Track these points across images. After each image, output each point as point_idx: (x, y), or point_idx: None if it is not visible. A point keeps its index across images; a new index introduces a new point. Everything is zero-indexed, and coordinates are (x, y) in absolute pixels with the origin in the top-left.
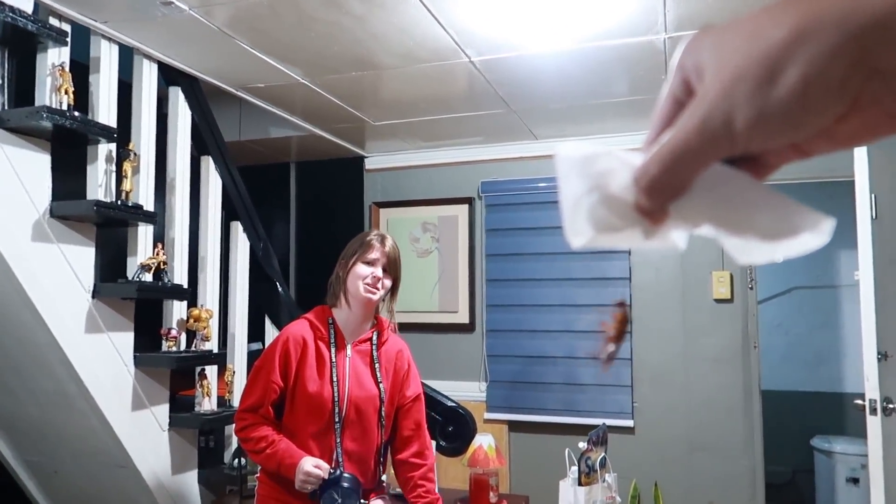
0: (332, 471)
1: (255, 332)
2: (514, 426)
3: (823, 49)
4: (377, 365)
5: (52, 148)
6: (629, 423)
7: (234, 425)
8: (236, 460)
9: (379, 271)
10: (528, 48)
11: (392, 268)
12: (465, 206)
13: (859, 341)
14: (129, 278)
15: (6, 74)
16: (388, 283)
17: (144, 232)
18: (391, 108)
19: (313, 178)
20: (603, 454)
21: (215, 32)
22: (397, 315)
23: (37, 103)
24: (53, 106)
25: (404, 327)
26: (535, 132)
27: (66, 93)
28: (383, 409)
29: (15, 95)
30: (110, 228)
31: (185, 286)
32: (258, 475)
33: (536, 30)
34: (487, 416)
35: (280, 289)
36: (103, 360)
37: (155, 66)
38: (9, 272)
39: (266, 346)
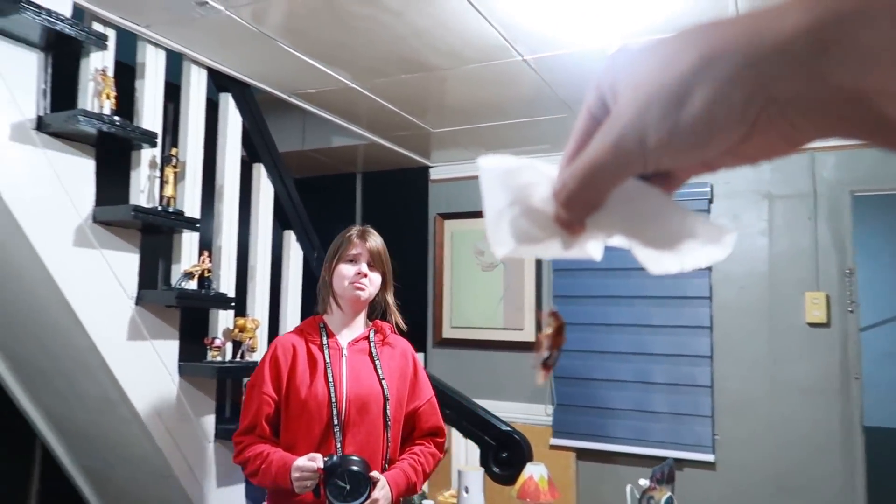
0: (328, 459)
1: None
2: (582, 454)
3: (725, 76)
4: (378, 362)
5: (96, 153)
6: (709, 457)
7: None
8: None
9: (363, 267)
10: (581, 44)
11: (377, 261)
12: None
13: None
14: (172, 285)
15: (48, 80)
16: (375, 277)
17: (189, 239)
18: (449, 114)
19: (379, 189)
20: (669, 494)
21: (255, 34)
22: (459, 331)
23: (78, 108)
24: (93, 110)
25: (466, 344)
26: None
27: (108, 97)
28: (388, 408)
29: (59, 101)
30: (155, 235)
31: (232, 295)
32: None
33: (590, 24)
34: (554, 441)
35: None
36: (145, 368)
37: (204, 72)
38: (48, 277)
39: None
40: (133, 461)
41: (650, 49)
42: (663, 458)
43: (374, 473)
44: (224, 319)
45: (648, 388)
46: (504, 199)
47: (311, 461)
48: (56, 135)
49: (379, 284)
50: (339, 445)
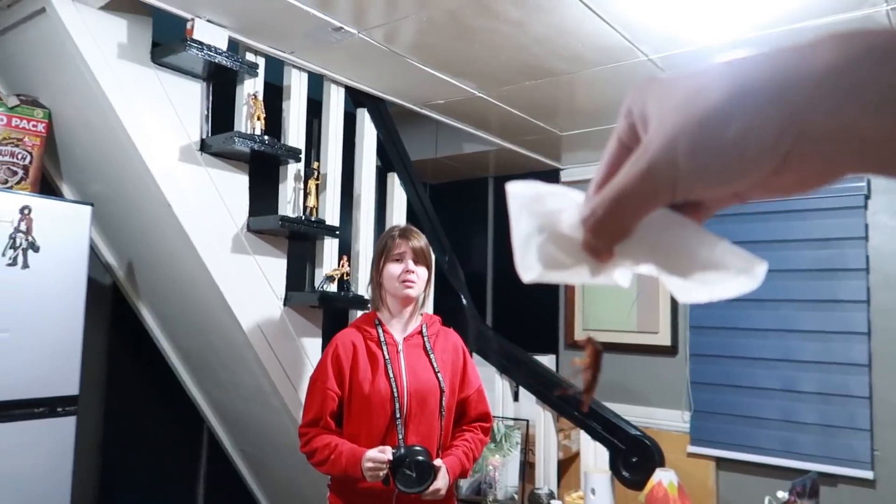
0: (396, 450)
1: None
2: (722, 464)
3: (757, 109)
4: (432, 356)
5: (249, 169)
6: (867, 474)
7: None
8: None
9: (410, 264)
10: (704, 41)
11: (421, 257)
12: None
13: None
14: (315, 288)
15: (209, 106)
16: (422, 272)
17: (330, 245)
18: (577, 117)
19: None
20: None
21: (386, 53)
22: (591, 333)
23: (235, 130)
24: (247, 132)
25: None
26: None
27: (259, 119)
28: (444, 399)
29: (218, 124)
30: (300, 242)
31: (368, 297)
32: (329, 495)
33: (711, 20)
34: (692, 449)
35: (465, 301)
36: (292, 363)
37: (342, 90)
38: (211, 280)
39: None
40: (284, 449)
41: (682, 79)
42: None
43: (437, 462)
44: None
45: (796, 398)
46: (532, 224)
47: (382, 453)
48: (216, 154)
49: (426, 279)
50: (401, 437)
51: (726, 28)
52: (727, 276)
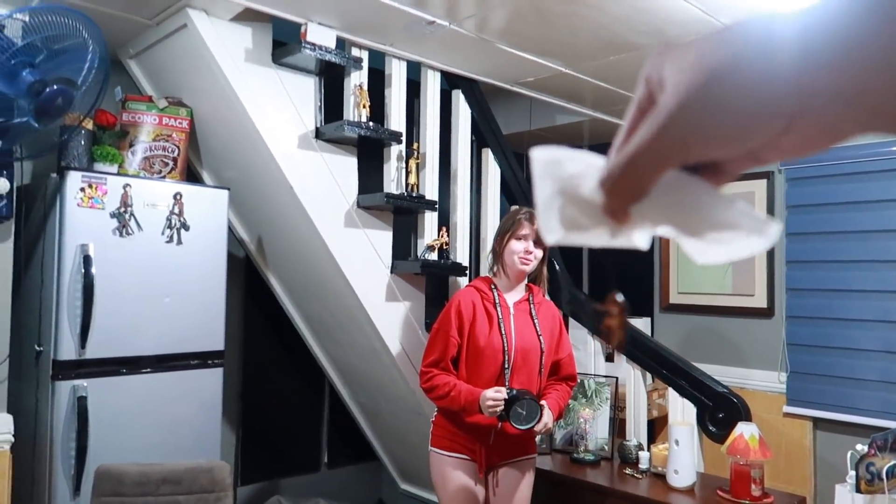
0: (509, 391)
1: None
2: (820, 424)
3: (764, 71)
4: (536, 321)
5: (357, 152)
6: None
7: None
8: None
9: (531, 245)
10: (785, 4)
11: (541, 240)
12: (763, 182)
13: None
14: (418, 257)
15: (321, 98)
16: (539, 253)
17: (430, 218)
18: None
19: None
20: (894, 462)
21: (476, 40)
22: (687, 296)
23: (344, 118)
24: (354, 119)
25: (694, 309)
26: None
27: (364, 107)
28: (543, 357)
29: (329, 114)
30: (403, 216)
31: (466, 264)
32: (434, 418)
33: None
34: (787, 409)
35: (557, 266)
36: (399, 323)
37: (438, 74)
38: (328, 252)
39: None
40: (394, 400)
41: (693, 43)
42: None
43: (543, 402)
44: (462, 285)
45: (895, 359)
46: (553, 187)
47: (498, 392)
48: (329, 140)
49: (541, 258)
50: (507, 383)
51: None
52: (740, 236)
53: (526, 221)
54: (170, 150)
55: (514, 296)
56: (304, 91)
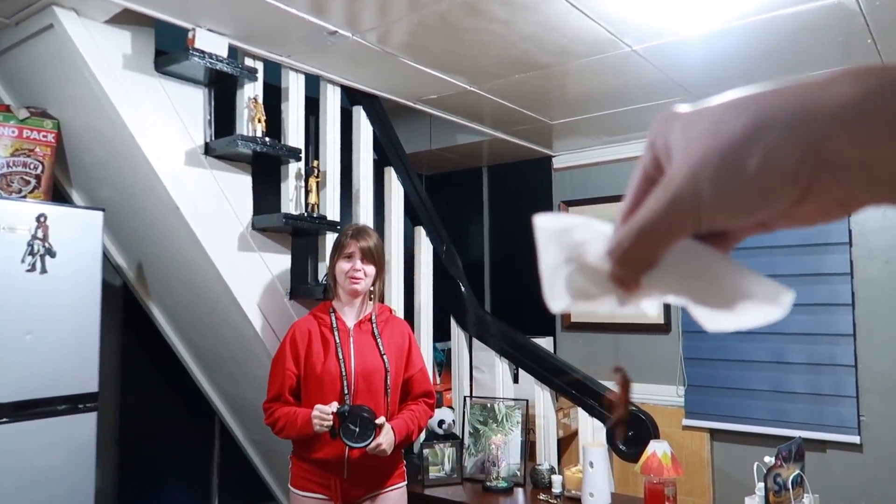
0: (341, 407)
1: (441, 333)
2: (716, 434)
3: (777, 140)
4: (379, 341)
5: (252, 170)
6: (854, 439)
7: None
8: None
9: (357, 263)
10: (685, 31)
11: (369, 256)
12: None
13: None
14: (319, 282)
15: (211, 111)
16: (370, 269)
17: (332, 240)
18: (567, 106)
19: (504, 181)
20: (798, 471)
21: (379, 53)
22: (588, 314)
23: (236, 133)
24: (249, 134)
25: (594, 327)
26: None
27: (259, 121)
28: (388, 378)
29: (220, 128)
30: (303, 238)
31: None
32: (291, 457)
33: (690, 11)
34: (686, 422)
35: (463, 289)
36: None
37: (338, 89)
38: (219, 277)
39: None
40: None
41: (703, 111)
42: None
43: (381, 419)
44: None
45: (786, 369)
46: (559, 256)
47: (328, 406)
48: (220, 157)
49: (373, 275)
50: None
51: (705, 18)
52: (754, 305)
53: (351, 239)
54: (32, 166)
55: (354, 317)
56: (192, 103)
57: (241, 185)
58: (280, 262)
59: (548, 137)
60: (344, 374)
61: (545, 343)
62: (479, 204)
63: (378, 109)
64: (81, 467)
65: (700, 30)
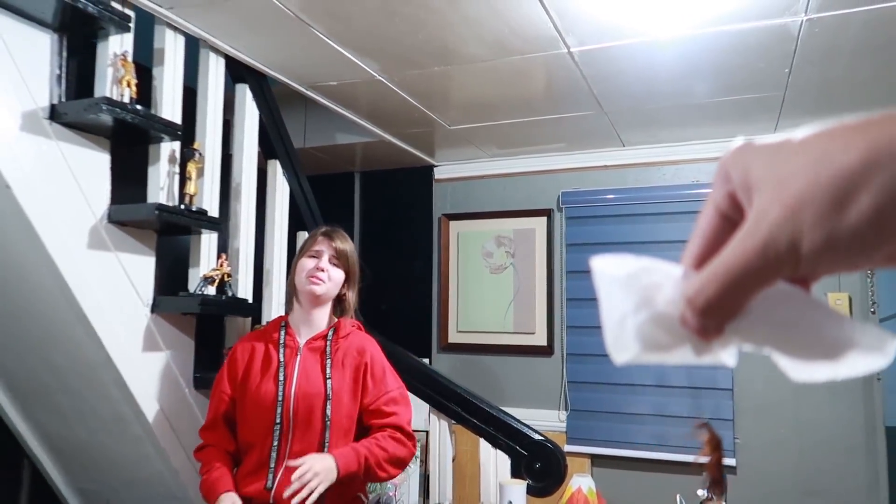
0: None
1: None
2: (597, 461)
3: None
4: (329, 360)
5: (111, 146)
6: (730, 461)
7: None
8: None
9: (324, 262)
10: (638, 35)
11: (342, 258)
12: (544, 219)
13: None
14: (192, 291)
15: (63, 64)
16: (336, 273)
17: (208, 241)
18: (470, 110)
19: (379, 189)
20: None
21: (289, 18)
22: (466, 335)
23: (96, 95)
24: (114, 98)
25: (473, 349)
26: (624, 138)
27: (129, 85)
28: (329, 405)
29: (75, 88)
30: (171, 236)
31: (251, 301)
32: None
33: (652, 12)
34: (568, 448)
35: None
36: (161, 381)
37: (222, 61)
38: (62, 283)
39: None
40: (140, 483)
41: (796, 145)
42: (683, 463)
43: (299, 460)
44: (243, 326)
45: (667, 392)
46: (627, 303)
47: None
48: (70, 125)
49: (340, 281)
50: (276, 444)
51: (664, 24)
52: (857, 354)
53: (322, 237)
54: None
55: (308, 332)
56: (36, 51)
57: (96, 163)
58: (142, 265)
59: (431, 145)
60: (281, 399)
61: None
62: (350, 213)
63: (266, 91)
64: None
65: (645, 36)
